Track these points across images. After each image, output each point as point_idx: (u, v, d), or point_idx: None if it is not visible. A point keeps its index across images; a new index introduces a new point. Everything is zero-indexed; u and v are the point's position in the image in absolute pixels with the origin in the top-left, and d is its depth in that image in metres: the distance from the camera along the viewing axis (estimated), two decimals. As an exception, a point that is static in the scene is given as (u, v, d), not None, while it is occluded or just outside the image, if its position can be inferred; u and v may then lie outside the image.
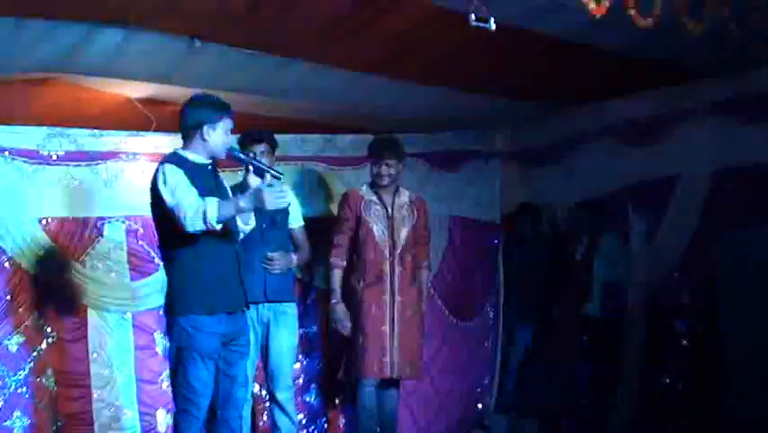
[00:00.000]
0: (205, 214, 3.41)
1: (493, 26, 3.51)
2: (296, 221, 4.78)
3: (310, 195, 5.30)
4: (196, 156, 3.67)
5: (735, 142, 4.86)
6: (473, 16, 3.50)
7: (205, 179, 3.64)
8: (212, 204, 3.44)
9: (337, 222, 4.84)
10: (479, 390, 5.94)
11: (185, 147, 3.71)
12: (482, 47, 4.19)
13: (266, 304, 4.59)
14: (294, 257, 4.70)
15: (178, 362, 3.61)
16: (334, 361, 5.18)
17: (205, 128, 3.61)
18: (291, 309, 4.68)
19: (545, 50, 4.48)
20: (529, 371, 5.99)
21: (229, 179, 4.97)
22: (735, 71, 4.78)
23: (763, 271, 4.68)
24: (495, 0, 3.50)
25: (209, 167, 3.74)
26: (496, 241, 6.10)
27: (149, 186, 3.66)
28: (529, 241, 6.05)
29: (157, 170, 3.60)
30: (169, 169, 3.55)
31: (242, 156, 3.91)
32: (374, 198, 4.81)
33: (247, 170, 3.86)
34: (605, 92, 5.31)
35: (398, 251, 4.79)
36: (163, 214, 3.55)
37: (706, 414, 4.87)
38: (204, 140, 3.63)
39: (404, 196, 4.89)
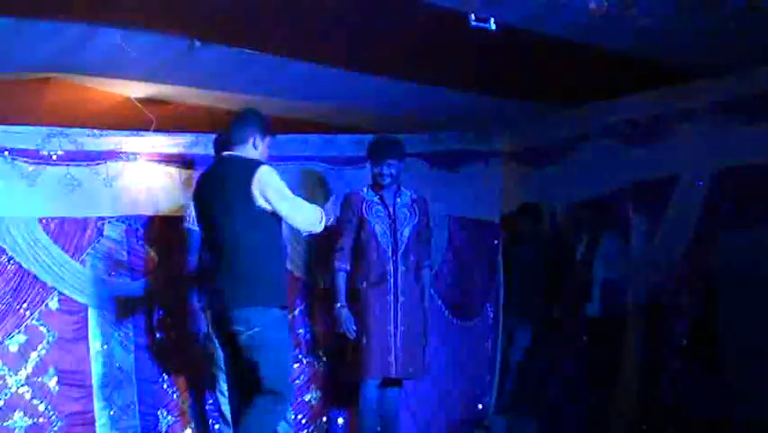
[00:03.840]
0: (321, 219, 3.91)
1: (493, 26, 3.52)
2: None
3: (309, 195, 5.30)
4: None
5: (735, 142, 4.85)
6: (473, 16, 3.50)
7: None
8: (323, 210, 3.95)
9: (339, 225, 4.84)
10: (479, 390, 5.93)
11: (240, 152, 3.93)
12: (482, 47, 4.19)
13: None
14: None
15: (281, 348, 3.82)
16: (336, 361, 5.18)
17: (259, 137, 3.94)
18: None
19: (545, 50, 4.48)
20: (529, 371, 5.98)
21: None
22: (735, 71, 4.78)
23: (763, 271, 4.68)
24: (495, 0, 3.50)
25: None
26: (496, 241, 6.09)
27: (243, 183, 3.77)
28: (529, 241, 6.04)
29: (261, 170, 3.78)
30: (274, 171, 3.85)
31: None
32: (376, 198, 4.81)
33: None
34: (605, 92, 5.31)
35: (401, 251, 4.79)
36: (261, 211, 3.77)
37: (706, 414, 4.87)
38: (255, 148, 3.94)
39: (405, 195, 4.89)
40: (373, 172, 4.80)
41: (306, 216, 3.90)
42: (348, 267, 4.79)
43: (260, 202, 3.76)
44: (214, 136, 4.84)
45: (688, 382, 5.02)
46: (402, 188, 4.88)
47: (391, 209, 4.80)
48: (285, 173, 5.12)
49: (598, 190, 5.63)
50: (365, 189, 4.87)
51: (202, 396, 5.02)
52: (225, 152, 3.96)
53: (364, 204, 4.78)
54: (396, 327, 4.72)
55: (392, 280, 4.76)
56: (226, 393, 4.52)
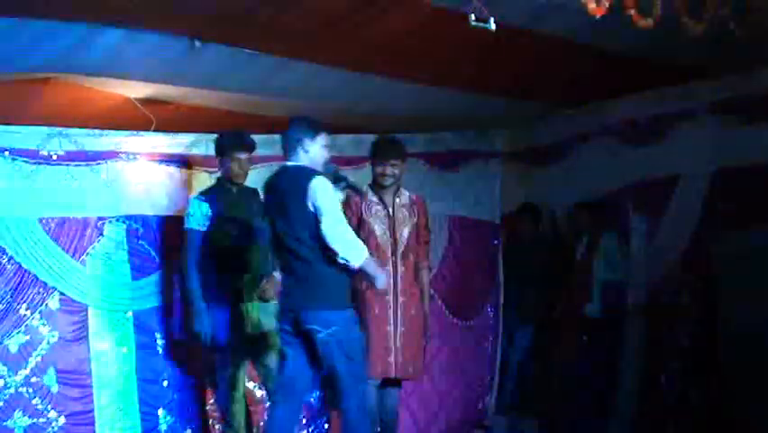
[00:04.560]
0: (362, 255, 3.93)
1: (493, 26, 3.51)
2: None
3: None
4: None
5: (735, 142, 4.85)
6: (473, 16, 3.50)
7: None
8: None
9: None
10: (479, 390, 5.94)
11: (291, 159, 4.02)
12: (482, 47, 4.18)
13: (255, 305, 4.59)
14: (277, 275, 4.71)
15: (359, 349, 4.00)
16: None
17: (306, 141, 4.02)
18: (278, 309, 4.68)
19: (545, 50, 4.48)
20: (529, 371, 5.98)
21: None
22: (735, 71, 4.78)
23: (763, 271, 4.68)
24: (495, 0, 3.50)
25: None
26: (496, 241, 6.10)
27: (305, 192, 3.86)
28: (529, 241, 6.04)
29: (312, 183, 3.86)
30: (328, 184, 3.94)
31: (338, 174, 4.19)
32: (375, 198, 4.81)
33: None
34: (605, 92, 5.31)
35: (400, 251, 4.78)
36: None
37: (706, 414, 4.87)
38: (306, 152, 4.02)
39: (404, 196, 4.89)
40: (375, 172, 4.79)
41: (346, 242, 3.88)
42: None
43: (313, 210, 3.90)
44: (214, 136, 4.85)
45: (688, 382, 5.02)
46: (401, 189, 4.88)
47: (390, 210, 4.80)
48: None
49: (598, 190, 5.63)
50: (364, 189, 4.87)
51: (204, 396, 5.04)
52: (286, 162, 4.07)
53: (364, 204, 4.78)
54: (395, 328, 4.71)
55: (391, 281, 4.75)
56: (236, 395, 4.55)
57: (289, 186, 3.96)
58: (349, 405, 3.95)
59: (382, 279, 4.06)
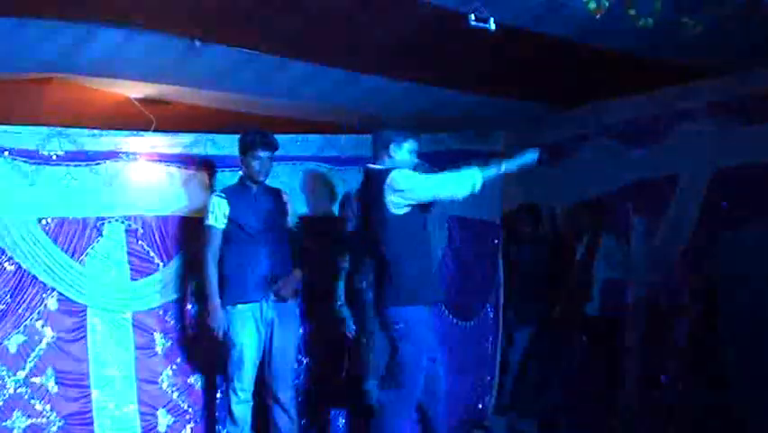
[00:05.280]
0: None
1: (493, 26, 3.52)
2: (291, 220, 4.85)
3: (310, 195, 5.30)
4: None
5: (735, 142, 4.85)
6: (473, 16, 3.50)
7: None
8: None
9: (340, 223, 4.83)
10: (479, 390, 5.93)
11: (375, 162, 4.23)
12: (482, 47, 4.18)
13: (270, 303, 4.61)
14: (298, 273, 4.73)
15: (417, 343, 4.10)
16: (337, 361, 5.17)
17: (393, 146, 4.20)
18: (294, 309, 4.70)
19: (545, 50, 4.47)
20: (529, 371, 5.98)
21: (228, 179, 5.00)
22: (735, 71, 4.78)
23: (763, 271, 4.68)
24: (495, 0, 3.49)
25: None
26: (496, 241, 6.09)
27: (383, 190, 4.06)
28: (529, 241, 6.04)
29: (390, 178, 4.04)
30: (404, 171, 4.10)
31: None
32: None
33: None
34: (605, 92, 5.31)
35: None
36: (395, 217, 4.06)
37: (706, 414, 4.86)
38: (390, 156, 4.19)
39: None
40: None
41: (454, 186, 4.09)
42: (347, 266, 4.79)
43: (393, 209, 4.06)
44: (214, 136, 4.86)
45: (688, 382, 5.02)
46: None
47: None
48: (285, 173, 5.19)
49: (598, 190, 5.62)
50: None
51: (210, 394, 5.05)
52: (369, 165, 4.26)
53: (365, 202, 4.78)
54: None
55: None
56: (238, 392, 4.55)
57: (370, 189, 4.14)
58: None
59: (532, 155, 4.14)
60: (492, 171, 4.16)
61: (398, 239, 4.09)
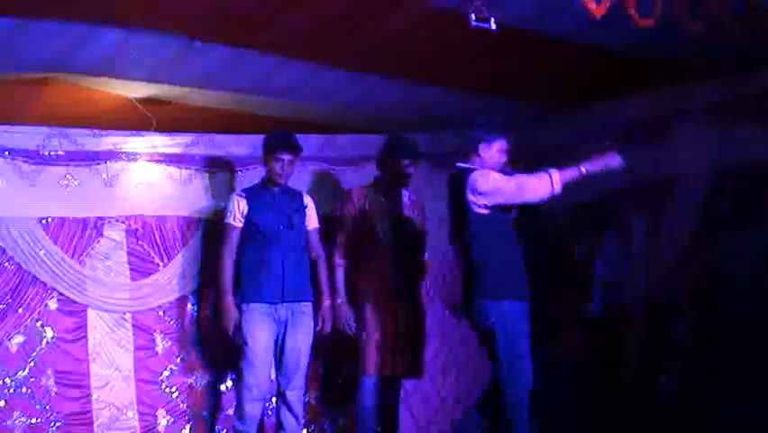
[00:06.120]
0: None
1: (493, 26, 3.51)
2: (312, 223, 4.83)
3: (310, 195, 5.30)
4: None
5: (734, 142, 4.85)
6: (473, 16, 3.50)
7: None
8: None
9: (339, 221, 4.84)
10: (479, 390, 5.92)
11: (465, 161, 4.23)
12: (482, 47, 4.18)
13: (284, 304, 4.61)
14: (328, 304, 4.79)
15: (514, 338, 4.07)
16: (335, 360, 5.17)
17: (482, 144, 4.20)
18: (308, 309, 4.71)
19: (545, 50, 4.48)
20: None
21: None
22: (735, 71, 4.78)
23: (763, 271, 4.68)
24: (495, 0, 3.50)
25: None
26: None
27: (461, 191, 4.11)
28: (529, 241, 6.02)
29: (470, 178, 4.07)
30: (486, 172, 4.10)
31: None
32: (376, 196, 4.81)
33: None
34: (605, 92, 5.30)
35: (400, 249, 4.79)
36: (480, 216, 4.08)
37: (706, 414, 4.86)
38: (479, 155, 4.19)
39: (404, 196, 4.89)
40: (393, 170, 4.80)
41: (535, 189, 4.11)
42: (347, 263, 4.79)
43: (477, 209, 4.08)
44: (214, 136, 4.85)
45: (688, 382, 5.02)
46: (403, 189, 4.89)
47: (391, 209, 4.80)
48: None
49: (598, 190, 5.62)
50: (369, 186, 4.88)
51: (209, 395, 5.05)
52: (458, 163, 4.26)
53: (366, 201, 4.78)
54: (395, 326, 4.72)
55: (391, 279, 4.76)
56: (252, 390, 4.56)
57: (455, 188, 4.18)
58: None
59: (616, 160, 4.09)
60: (572, 174, 4.14)
61: (484, 239, 4.12)
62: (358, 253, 4.80)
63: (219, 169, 5.14)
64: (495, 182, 4.08)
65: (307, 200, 4.86)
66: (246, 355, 4.59)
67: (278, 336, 4.64)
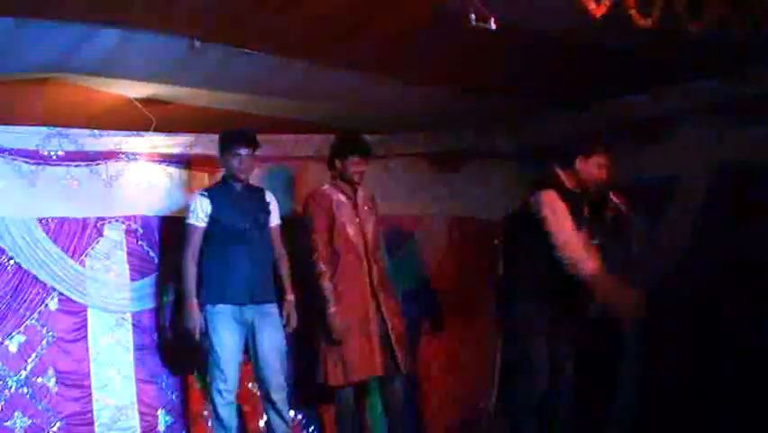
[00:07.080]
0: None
1: (493, 26, 3.51)
2: (274, 220, 4.80)
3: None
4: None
5: (734, 142, 4.85)
6: (473, 16, 3.50)
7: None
8: None
9: (311, 224, 4.77)
10: (479, 390, 5.93)
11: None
12: (482, 47, 4.18)
13: (250, 305, 4.58)
14: (291, 299, 4.72)
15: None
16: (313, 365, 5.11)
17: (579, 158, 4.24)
18: (274, 310, 4.67)
19: (546, 50, 4.47)
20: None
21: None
22: (735, 71, 4.78)
23: (763, 271, 4.68)
24: (495, 0, 3.50)
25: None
26: (496, 241, 6.08)
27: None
28: (529, 241, 6.01)
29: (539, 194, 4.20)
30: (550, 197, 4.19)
31: None
32: (340, 196, 4.79)
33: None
34: (605, 92, 5.31)
35: (370, 247, 4.77)
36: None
37: (706, 414, 4.86)
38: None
39: (362, 192, 4.88)
40: (350, 170, 4.78)
41: (569, 255, 4.10)
42: (331, 268, 4.75)
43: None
44: (214, 136, 4.84)
45: (688, 382, 5.02)
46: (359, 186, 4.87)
47: (356, 207, 4.79)
48: (283, 173, 5.19)
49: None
50: (326, 186, 4.85)
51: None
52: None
53: (333, 202, 4.77)
54: (378, 327, 4.71)
55: (368, 280, 4.74)
56: (223, 394, 4.54)
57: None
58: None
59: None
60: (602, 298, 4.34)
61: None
62: (333, 256, 4.74)
63: (219, 169, 5.13)
64: (555, 219, 4.14)
65: (270, 197, 4.82)
66: (214, 360, 4.54)
67: (246, 339, 4.61)
